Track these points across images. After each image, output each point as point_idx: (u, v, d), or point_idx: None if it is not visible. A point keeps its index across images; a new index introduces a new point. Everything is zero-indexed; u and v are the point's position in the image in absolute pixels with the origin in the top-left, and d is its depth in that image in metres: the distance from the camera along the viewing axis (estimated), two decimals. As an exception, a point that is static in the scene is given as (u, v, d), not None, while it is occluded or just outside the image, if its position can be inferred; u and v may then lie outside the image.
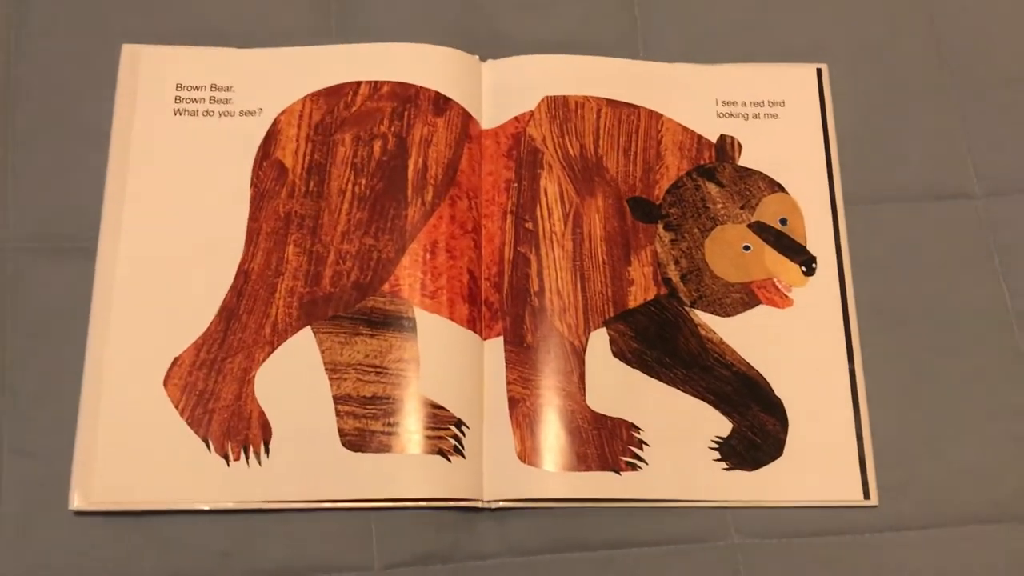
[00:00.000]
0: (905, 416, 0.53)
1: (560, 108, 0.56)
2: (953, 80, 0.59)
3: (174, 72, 0.56)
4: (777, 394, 0.53)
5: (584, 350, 0.52)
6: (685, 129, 0.57)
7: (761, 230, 0.56)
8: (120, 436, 0.50)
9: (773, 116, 0.58)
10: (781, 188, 0.56)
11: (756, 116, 0.58)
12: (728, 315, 0.54)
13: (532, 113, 0.56)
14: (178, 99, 0.56)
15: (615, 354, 0.53)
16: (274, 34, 0.58)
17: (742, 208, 0.56)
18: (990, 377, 0.54)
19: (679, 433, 0.52)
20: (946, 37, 0.60)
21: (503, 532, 0.50)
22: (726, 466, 0.51)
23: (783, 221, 0.56)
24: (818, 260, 0.55)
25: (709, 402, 0.53)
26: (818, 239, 0.56)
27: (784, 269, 0.55)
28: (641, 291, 0.54)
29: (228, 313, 0.52)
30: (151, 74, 0.56)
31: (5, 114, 0.56)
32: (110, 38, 0.57)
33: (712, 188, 0.56)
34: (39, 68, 0.57)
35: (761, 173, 0.57)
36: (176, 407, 0.50)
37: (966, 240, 0.57)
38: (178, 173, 0.55)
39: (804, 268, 0.55)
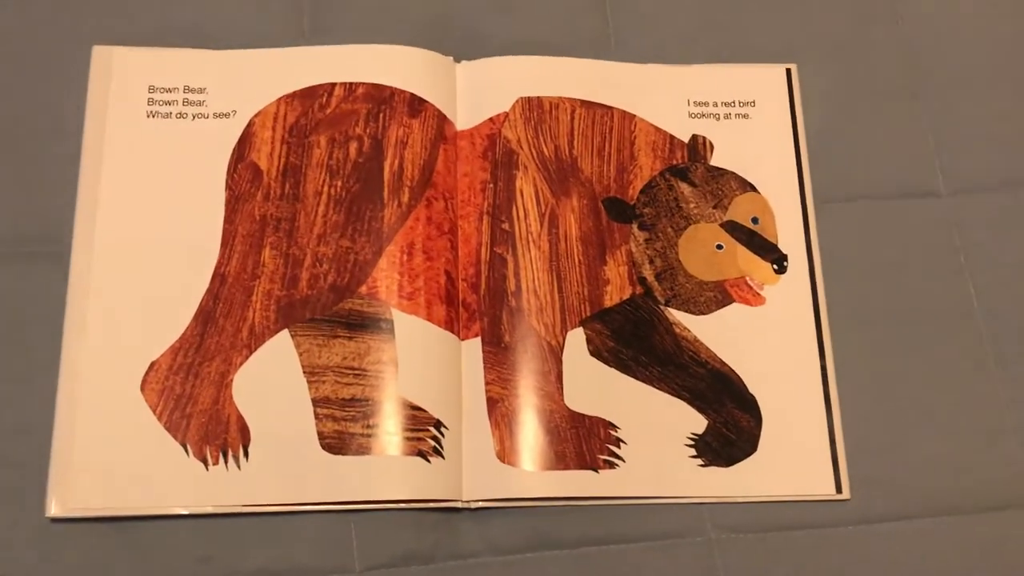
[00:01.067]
0: (875, 411, 0.54)
1: (535, 109, 0.57)
2: (920, 80, 0.60)
3: (146, 74, 0.56)
4: (751, 391, 0.54)
5: (561, 349, 0.53)
6: (658, 129, 0.58)
7: (733, 229, 0.56)
8: (97, 442, 0.50)
9: (744, 116, 0.59)
10: (752, 187, 0.57)
11: (727, 116, 0.59)
12: (702, 313, 0.55)
13: (507, 114, 0.57)
14: (151, 101, 0.56)
15: (592, 353, 0.53)
16: (246, 36, 0.58)
17: (714, 207, 0.57)
18: (956, 372, 0.55)
19: (655, 431, 0.52)
20: (912, 38, 0.61)
21: (483, 532, 0.51)
22: (702, 462, 0.52)
23: (755, 220, 0.57)
24: (789, 258, 0.56)
25: (684, 399, 0.53)
26: (789, 238, 0.57)
27: (756, 267, 0.56)
28: (617, 290, 0.55)
29: (204, 317, 0.52)
30: (123, 76, 0.56)
31: (-27, 116, 0.55)
32: (80, 39, 0.56)
33: (685, 188, 0.57)
34: (8, 68, 0.56)
35: (733, 173, 0.57)
36: (154, 412, 0.50)
37: (933, 238, 0.58)
38: (152, 176, 0.54)
39: (776, 266, 0.56)
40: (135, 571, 0.49)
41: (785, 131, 0.59)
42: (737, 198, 0.57)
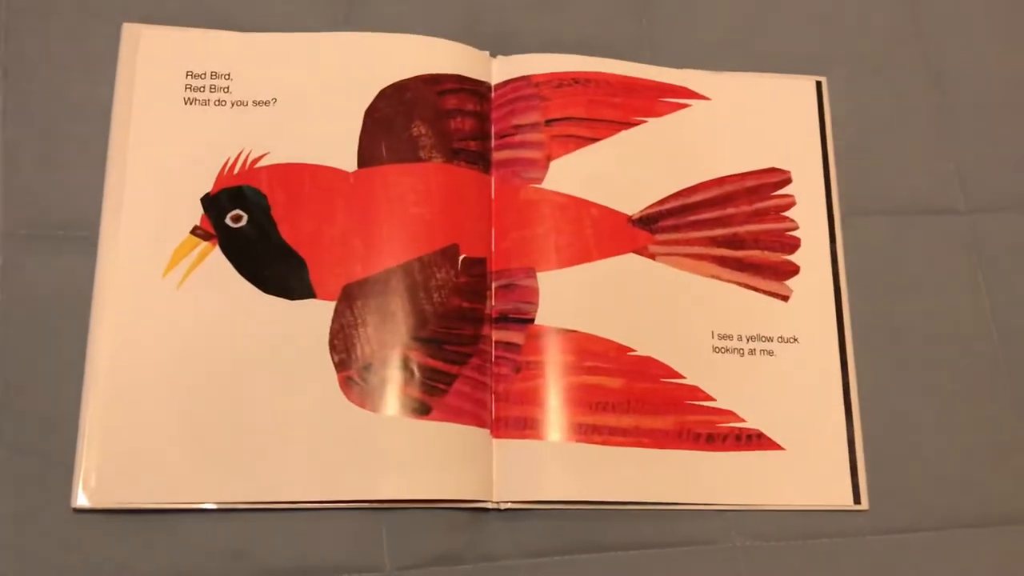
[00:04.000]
0: (894, 425, 0.55)
1: None
2: (943, 100, 0.61)
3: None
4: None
5: None
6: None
7: None
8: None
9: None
10: None
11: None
12: None
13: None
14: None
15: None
16: (280, 20, 0.57)
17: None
18: (974, 388, 0.56)
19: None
20: (937, 57, 0.62)
21: (513, 533, 0.51)
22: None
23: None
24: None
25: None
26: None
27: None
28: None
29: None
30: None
31: (-2, 93, 0.53)
32: (111, 16, 0.55)
33: None
34: (35, 46, 0.54)
35: None
36: None
37: (952, 254, 0.59)
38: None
39: None
40: (162, 565, 0.48)
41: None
42: None
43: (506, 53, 0.58)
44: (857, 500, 0.54)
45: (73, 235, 0.52)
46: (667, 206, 0.57)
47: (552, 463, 0.51)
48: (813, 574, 0.52)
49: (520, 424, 0.52)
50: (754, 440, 0.54)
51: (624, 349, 0.53)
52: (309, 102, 0.55)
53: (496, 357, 0.53)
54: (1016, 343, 0.57)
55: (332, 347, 0.51)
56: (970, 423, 0.56)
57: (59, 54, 0.54)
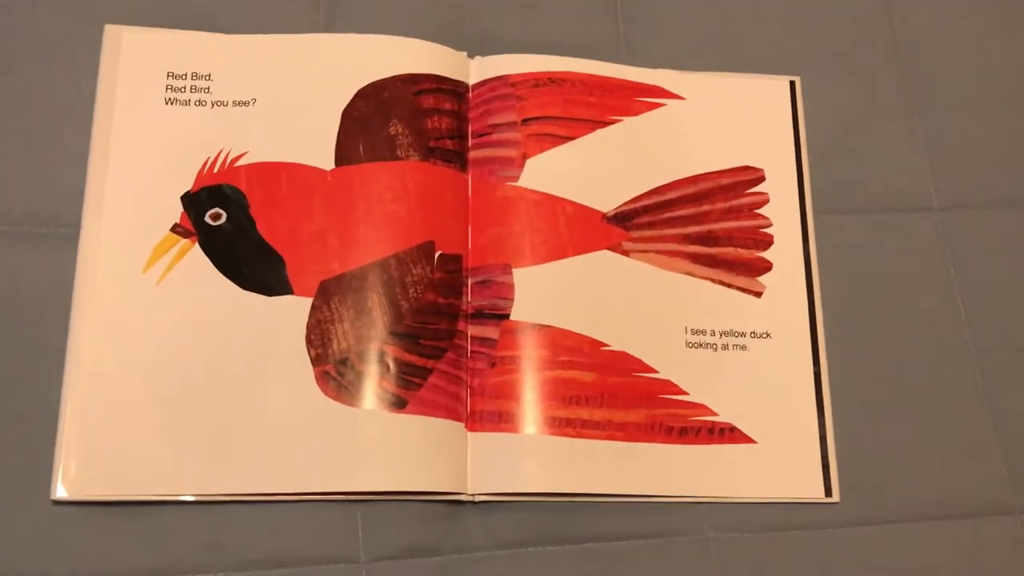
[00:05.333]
0: (865, 419, 0.56)
1: None
2: (917, 98, 0.62)
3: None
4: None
5: None
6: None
7: None
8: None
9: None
10: None
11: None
12: None
13: (519, 113, 0.57)
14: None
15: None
16: (260, 22, 0.58)
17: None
18: (944, 383, 0.57)
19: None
20: (910, 55, 0.63)
21: (488, 526, 0.52)
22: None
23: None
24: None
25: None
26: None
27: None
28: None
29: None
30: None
31: (-19, 91, 0.54)
32: (93, 16, 0.56)
33: None
34: (18, 46, 0.55)
35: None
36: None
37: (925, 251, 0.60)
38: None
39: None
40: (141, 556, 0.49)
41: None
42: None
43: (484, 54, 0.59)
44: (828, 493, 0.54)
45: (55, 231, 0.53)
46: (641, 203, 0.58)
47: (526, 456, 0.52)
48: (785, 565, 0.53)
49: (495, 417, 0.52)
50: (727, 433, 0.55)
51: (598, 344, 0.54)
52: (288, 102, 0.56)
53: (472, 352, 0.54)
54: (987, 338, 0.58)
55: (309, 342, 0.52)
56: (940, 417, 0.56)
57: (42, 54, 0.55)
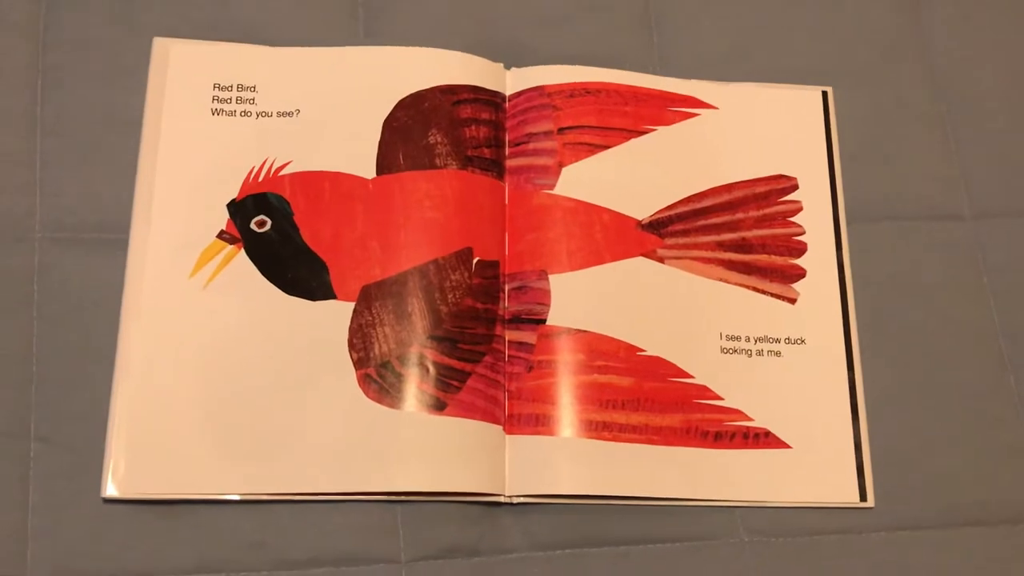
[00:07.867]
0: (900, 424, 0.56)
1: None
2: (947, 107, 0.63)
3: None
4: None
5: None
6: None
7: None
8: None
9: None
10: None
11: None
12: None
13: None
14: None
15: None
16: (303, 35, 0.59)
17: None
18: (978, 389, 0.57)
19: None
20: (941, 65, 0.64)
21: (525, 527, 0.52)
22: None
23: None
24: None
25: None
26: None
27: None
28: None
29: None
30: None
31: (35, 102, 0.56)
32: (142, 30, 0.57)
33: None
34: (70, 60, 0.57)
35: None
36: None
37: (957, 259, 0.60)
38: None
39: None
40: (186, 553, 0.50)
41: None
42: None
43: (520, 65, 0.60)
44: (863, 498, 0.55)
45: (105, 238, 0.54)
46: (676, 211, 0.58)
47: (563, 459, 0.53)
48: (819, 570, 0.53)
49: (532, 421, 0.53)
50: (761, 438, 0.55)
51: (634, 349, 0.55)
52: (331, 113, 0.57)
53: (509, 356, 0.55)
54: (1020, 345, 0.58)
55: (351, 345, 0.53)
56: (975, 423, 0.57)
57: (93, 67, 0.57)
